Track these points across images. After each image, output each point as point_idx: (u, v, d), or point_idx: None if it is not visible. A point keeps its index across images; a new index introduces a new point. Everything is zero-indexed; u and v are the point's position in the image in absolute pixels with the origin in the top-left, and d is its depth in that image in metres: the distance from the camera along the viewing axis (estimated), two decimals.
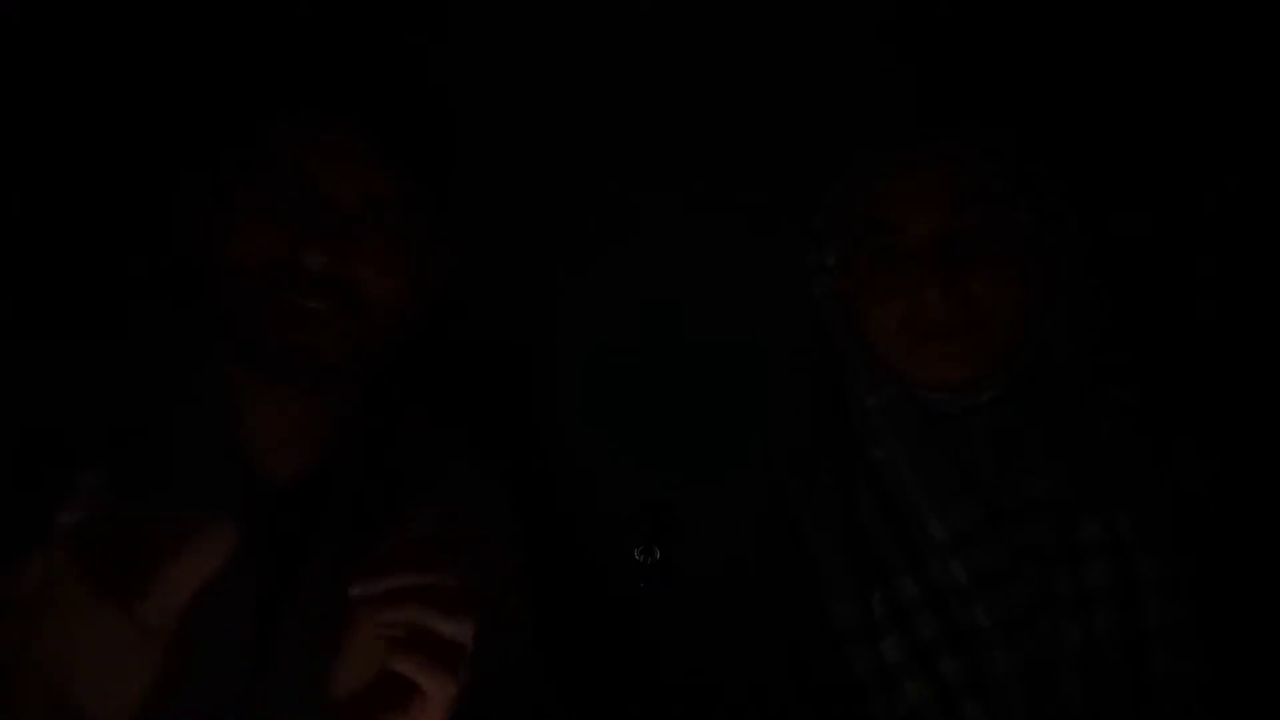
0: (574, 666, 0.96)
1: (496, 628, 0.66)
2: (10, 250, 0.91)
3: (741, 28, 1.04)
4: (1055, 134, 0.88)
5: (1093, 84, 0.99)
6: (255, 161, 0.73)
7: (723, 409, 1.10)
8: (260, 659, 0.71)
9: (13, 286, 0.90)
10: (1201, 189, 0.99)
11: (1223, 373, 0.85)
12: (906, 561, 0.79)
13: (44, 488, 0.63)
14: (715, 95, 1.05)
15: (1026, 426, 0.78)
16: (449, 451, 0.86)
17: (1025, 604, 0.75)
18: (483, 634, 0.63)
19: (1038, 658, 0.74)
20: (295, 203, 0.72)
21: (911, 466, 0.80)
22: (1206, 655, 0.71)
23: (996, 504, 0.77)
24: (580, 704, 0.97)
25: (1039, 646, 0.74)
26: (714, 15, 1.03)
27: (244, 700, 0.70)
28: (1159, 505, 0.74)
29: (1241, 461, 0.75)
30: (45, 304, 0.90)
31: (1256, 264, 0.97)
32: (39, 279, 0.91)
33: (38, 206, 0.92)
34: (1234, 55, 0.97)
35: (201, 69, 0.89)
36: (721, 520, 1.05)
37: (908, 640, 0.78)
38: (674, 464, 1.11)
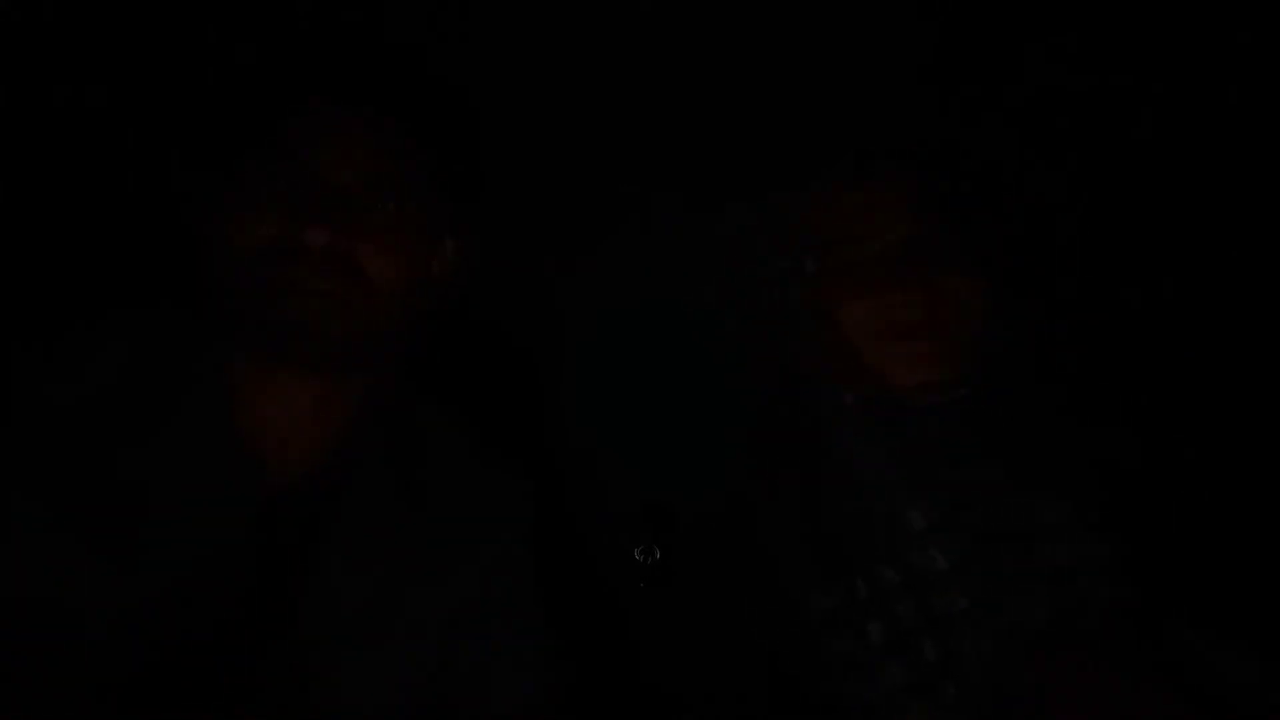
0: (573, 668, 0.96)
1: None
2: (12, 246, 0.91)
3: (745, 24, 1.05)
4: (997, 145, 0.96)
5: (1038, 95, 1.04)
6: (262, 148, 0.74)
7: (725, 409, 1.10)
8: (269, 659, 0.71)
9: (14, 282, 0.90)
10: (1137, 192, 1.03)
11: (1161, 364, 0.92)
12: (883, 550, 0.84)
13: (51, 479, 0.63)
14: (719, 94, 1.05)
15: (985, 420, 0.86)
16: (464, 448, 0.87)
17: (997, 586, 0.80)
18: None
19: (1008, 637, 0.79)
20: (299, 184, 0.73)
21: (887, 459, 0.86)
22: (1153, 630, 0.77)
23: (964, 493, 0.84)
24: (579, 705, 0.96)
25: (1009, 626, 0.79)
26: (718, 13, 1.04)
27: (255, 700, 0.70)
28: (1108, 489, 0.82)
29: (1179, 445, 0.84)
30: (46, 300, 0.90)
31: (1185, 262, 1.02)
32: (40, 275, 0.91)
33: (42, 203, 0.92)
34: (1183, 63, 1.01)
35: (212, 66, 0.90)
36: (723, 521, 1.05)
37: (887, 626, 0.82)
38: (674, 464, 1.11)
